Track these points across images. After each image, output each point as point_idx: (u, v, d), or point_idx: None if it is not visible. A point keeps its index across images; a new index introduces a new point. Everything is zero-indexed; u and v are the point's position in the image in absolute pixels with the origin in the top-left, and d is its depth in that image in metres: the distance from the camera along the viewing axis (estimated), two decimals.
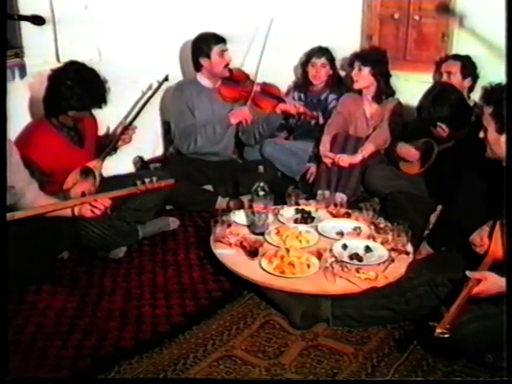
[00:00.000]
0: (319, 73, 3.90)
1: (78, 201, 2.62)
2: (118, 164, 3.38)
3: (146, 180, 2.64)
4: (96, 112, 3.07)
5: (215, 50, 3.55)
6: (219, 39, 3.56)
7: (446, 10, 3.79)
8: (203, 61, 3.59)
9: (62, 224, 2.69)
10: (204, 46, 3.56)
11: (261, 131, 3.69)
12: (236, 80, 3.72)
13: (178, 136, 3.61)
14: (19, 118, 3.07)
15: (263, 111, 3.72)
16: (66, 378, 2.16)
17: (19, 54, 3.09)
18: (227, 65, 3.61)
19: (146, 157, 3.86)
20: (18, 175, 2.58)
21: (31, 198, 2.60)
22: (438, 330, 1.93)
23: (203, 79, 3.67)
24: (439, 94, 3.15)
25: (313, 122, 3.86)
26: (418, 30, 3.96)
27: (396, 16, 4.00)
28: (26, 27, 3.00)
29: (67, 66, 2.92)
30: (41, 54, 3.16)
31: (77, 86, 2.83)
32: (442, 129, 3.14)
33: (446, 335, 1.93)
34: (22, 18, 2.93)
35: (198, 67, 3.65)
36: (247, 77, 3.77)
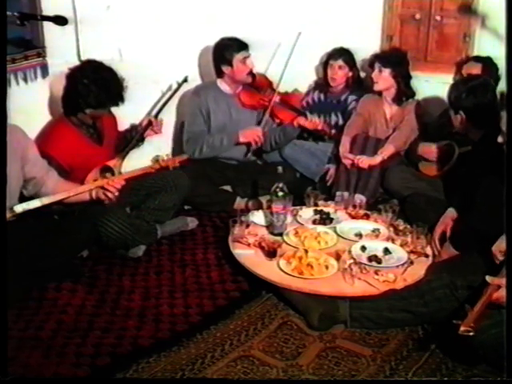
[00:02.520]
0: (336, 75, 3.84)
1: (93, 185, 2.68)
2: (137, 163, 3.37)
3: (159, 158, 2.70)
4: (116, 111, 3.10)
5: (237, 57, 3.47)
6: (241, 46, 3.47)
7: (468, 10, 3.74)
8: (225, 68, 3.53)
9: (82, 222, 2.73)
10: (226, 53, 3.48)
11: (277, 140, 3.65)
12: (257, 86, 3.67)
13: (186, 140, 3.58)
14: (41, 117, 3.11)
15: (281, 122, 3.71)
16: (66, 378, 2.17)
17: (41, 53, 3.12)
18: (250, 71, 3.55)
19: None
20: (36, 166, 2.65)
21: (52, 186, 2.67)
22: (462, 328, 1.91)
23: (223, 85, 3.62)
24: (479, 85, 3.05)
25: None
26: (440, 30, 3.91)
27: (417, 16, 3.96)
28: (49, 27, 3.02)
29: (84, 65, 2.95)
30: (63, 54, 3.17)
31: (93, 84, 2.85)
32: (462, 118, 3.06)
33: (471, 333, 1.90)
34: (45, 18, 2.96)
35: (219, 74, 3.59)
36: (269, 84, 3.73)
